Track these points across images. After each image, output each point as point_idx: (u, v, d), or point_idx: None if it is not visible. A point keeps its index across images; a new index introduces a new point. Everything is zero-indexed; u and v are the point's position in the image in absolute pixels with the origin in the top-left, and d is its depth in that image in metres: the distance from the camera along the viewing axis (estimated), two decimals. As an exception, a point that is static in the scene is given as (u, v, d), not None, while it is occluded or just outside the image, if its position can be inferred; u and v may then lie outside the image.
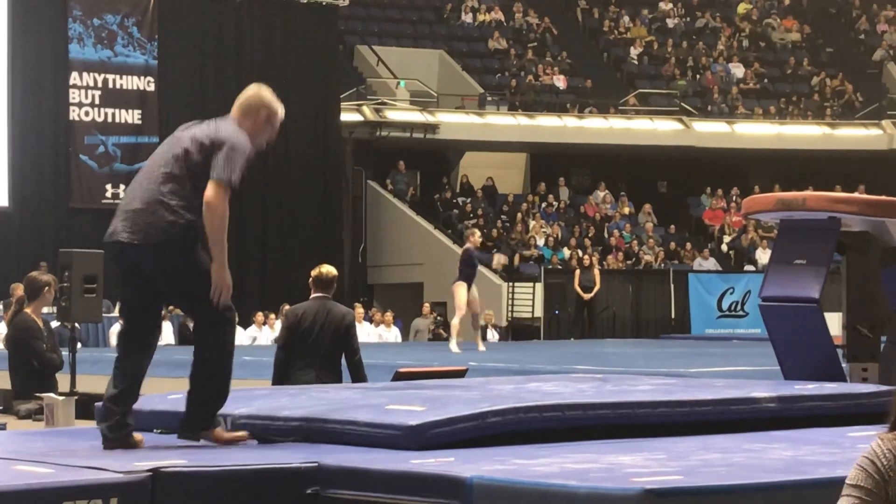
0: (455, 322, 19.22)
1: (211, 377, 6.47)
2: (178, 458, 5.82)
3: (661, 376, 10.60)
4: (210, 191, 6.28)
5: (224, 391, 6.51)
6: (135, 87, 26.75)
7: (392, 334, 26.12)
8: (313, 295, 9.81)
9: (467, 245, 19.53)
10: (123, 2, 26.82)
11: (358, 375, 9.63)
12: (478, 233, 20.75)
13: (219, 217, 6.28)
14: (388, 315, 26.43)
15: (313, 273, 9.84)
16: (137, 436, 6.39)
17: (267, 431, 6.61)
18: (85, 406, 10.70)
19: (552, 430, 6.56)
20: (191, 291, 6.43)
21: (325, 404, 7.01)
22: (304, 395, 7.50)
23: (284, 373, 9.66)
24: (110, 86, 26.53)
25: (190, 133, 6.50)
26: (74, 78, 26.25)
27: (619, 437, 6.58)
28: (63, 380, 11.45)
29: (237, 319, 6.74)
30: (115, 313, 23.21)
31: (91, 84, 26.37)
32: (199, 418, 6.48)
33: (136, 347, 6.47)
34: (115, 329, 22.77)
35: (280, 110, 6.58)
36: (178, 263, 6.35)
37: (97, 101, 26.43)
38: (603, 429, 6.74)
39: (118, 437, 6.29)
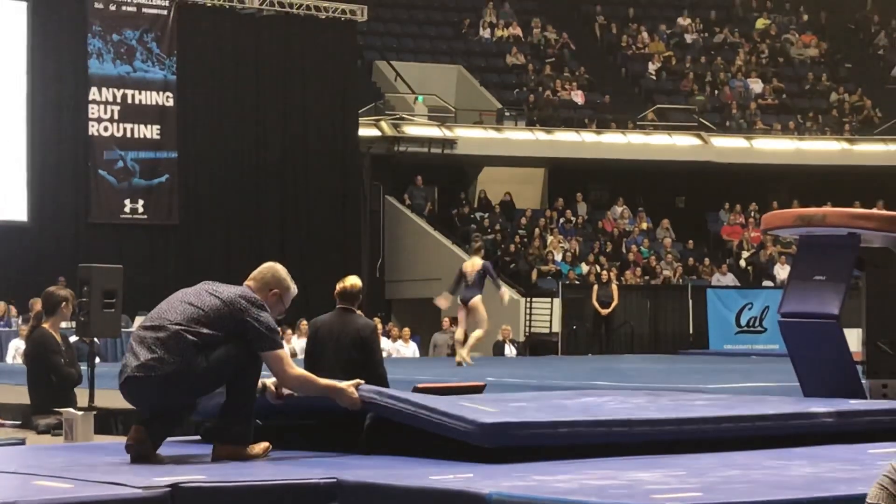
0: (479, 334, 18.95)
1: (247, 396, 6.65)
2: (198, 473, 5.82)
3: (704, 392, 10.59)
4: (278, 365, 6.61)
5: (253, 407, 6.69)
6: (154, 103, 26.81)
7: (409, 349, 26.11)
8: (337, 307, 9.72)
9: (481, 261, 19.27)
10: (143, 17, 26.89)
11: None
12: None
13: (300, 385, 6.71)
14: (406, 330, 26.43)
15: (338, 285, 9.73)
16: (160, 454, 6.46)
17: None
18: (104, 421, 10.72)
19: (616, 445, 6.57)
20: None
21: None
22: None
23: None
24: (129, 101, 26.59)
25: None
26: (94, 93, 26.31)
27: (686, 453, 6.58)
28: (82, 394, 11.46)
29: None
30: (133, 328, 23.26)
31: (110, 99, 26.44)
32: (236, 431, 6.59)
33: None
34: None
35: (293, 288, 6.85)
36: None
37: (116, 117, 26.49)
38: (668, 444, 6.73)
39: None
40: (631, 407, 7.66)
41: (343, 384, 6.69)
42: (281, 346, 6.62)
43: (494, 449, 6.22)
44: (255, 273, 6.83)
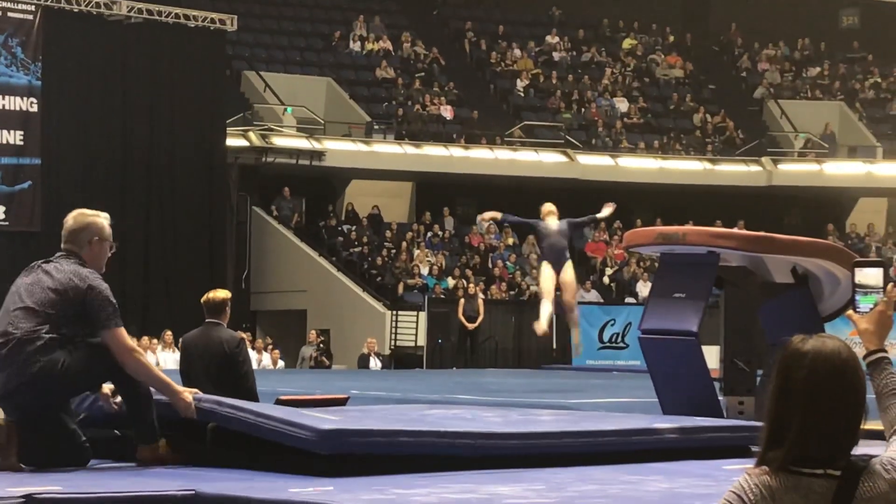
0: (542, 309, 17.56)
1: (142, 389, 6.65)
2: (54, 483, 5.74)
3: (567, 408, 10.67)
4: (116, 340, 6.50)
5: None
6: (17, 108, 26.37)
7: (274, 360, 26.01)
8: (206, 321, 9.57)
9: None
10: (7, 21, 26.45)
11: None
12: (546, 207, 17.68)
13: (138, 368, 6.57)
14: (275, 353, 26.31)
15: (203, 298, 9.61)
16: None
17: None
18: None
19: (460, 458, 6.58)
20: None
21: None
22: None
23: None
24: (-8, 106, 26.14)
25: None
26: (-45, 97, 25.84)
27: (527, 467, 6.62)
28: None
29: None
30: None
31: (-28, 103, 25.98)
32: (148, 426, 6.64)
33: None
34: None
35: (102, 221, 6.69)
36: None
37: (-22, 121, 26.03)
38: (512, 459, 6.76)
39: None
40: (481, 421, 7.71)
41: (180, 388, 6.67)
42: (120, 324, 6.56)
43: (338, 459, 6.19)
44: (64, 235, 6.67)
